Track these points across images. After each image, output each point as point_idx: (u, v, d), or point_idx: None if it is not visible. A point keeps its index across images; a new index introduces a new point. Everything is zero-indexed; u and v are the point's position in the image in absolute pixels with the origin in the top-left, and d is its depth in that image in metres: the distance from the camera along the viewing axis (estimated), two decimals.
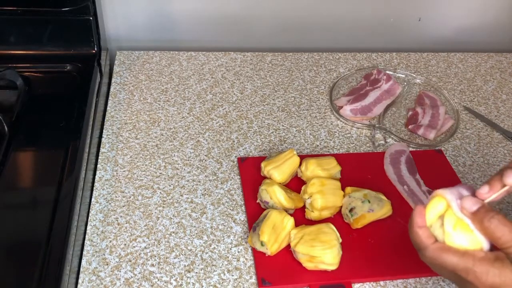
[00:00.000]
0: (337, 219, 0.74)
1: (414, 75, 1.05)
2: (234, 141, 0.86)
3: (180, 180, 0.79)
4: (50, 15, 0.89)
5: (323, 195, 0.72)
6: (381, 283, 0.68)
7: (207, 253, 0.69)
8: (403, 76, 1.04)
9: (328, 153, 0.86)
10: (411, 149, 0.88)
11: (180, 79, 0.98)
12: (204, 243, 0.70)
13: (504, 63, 1.12)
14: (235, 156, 0.83)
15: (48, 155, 0.76)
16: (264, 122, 0.90)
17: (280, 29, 1.09)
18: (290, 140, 0.88)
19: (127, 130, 0.86)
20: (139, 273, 0.66)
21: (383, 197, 0.75)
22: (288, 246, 0.69)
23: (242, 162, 0.81)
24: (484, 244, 0.50)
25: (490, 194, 0.51)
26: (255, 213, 0.73)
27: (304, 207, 0.74)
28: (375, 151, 0.87)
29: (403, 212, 0.75)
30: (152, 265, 0.67)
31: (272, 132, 0.89)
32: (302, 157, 0.79)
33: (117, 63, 1.00)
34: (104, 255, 0.68)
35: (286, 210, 0.72)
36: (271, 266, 0.68)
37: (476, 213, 0.50)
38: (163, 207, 0.75)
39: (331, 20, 1.09)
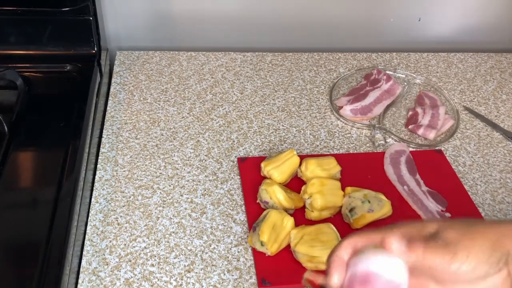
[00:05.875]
0: (337, 219, 0.74)
1: (414, 75, 1.05)
2: (234, 141, 0.86)
3: (180, 180, 0.79)
4: (50, 15, 0.89)
5: (323, 195, 0.72)
6: None
7: (207, 253, 0.69)
8: (403, 76, 1.04)
9: (328, 153, 0.86)
10: (411, 149, 0.88)
11: (180, 79, 0.98)
12: (204, 243, 0.70)
13: (504, 63, 1.12)
14: (235, 156, 0.83)
15: (48, 155, 0.76)
16: (264, 122, 0.90)
17: (280, 29, 1.09)
18: (290, 140, 0.88)
19: (127, 130, 0.86)
20: (139, 273, 0.66)
21: (383, 197, 0.74)
22: (288, 246, 0.69)
23: (242, 162, 0.81)
24: None
25: None
26: (255, 213, 0.73)
27: (304, 207, 0.74)
28: (375, 151, 0.87)
29: (403, 212, 0.75)
30: (152, 265, 0.67)
31: (272, 132, 0.89)
32: (302, 157, 0.79)
33: (117, 63, 1.00)
34: (104, 255, 0.68)
35: (286, 210, 0.72)
36: (271, 266, 0.67)
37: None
38: (163, 207, 0.74)
39: (331, 20, 1.09)
